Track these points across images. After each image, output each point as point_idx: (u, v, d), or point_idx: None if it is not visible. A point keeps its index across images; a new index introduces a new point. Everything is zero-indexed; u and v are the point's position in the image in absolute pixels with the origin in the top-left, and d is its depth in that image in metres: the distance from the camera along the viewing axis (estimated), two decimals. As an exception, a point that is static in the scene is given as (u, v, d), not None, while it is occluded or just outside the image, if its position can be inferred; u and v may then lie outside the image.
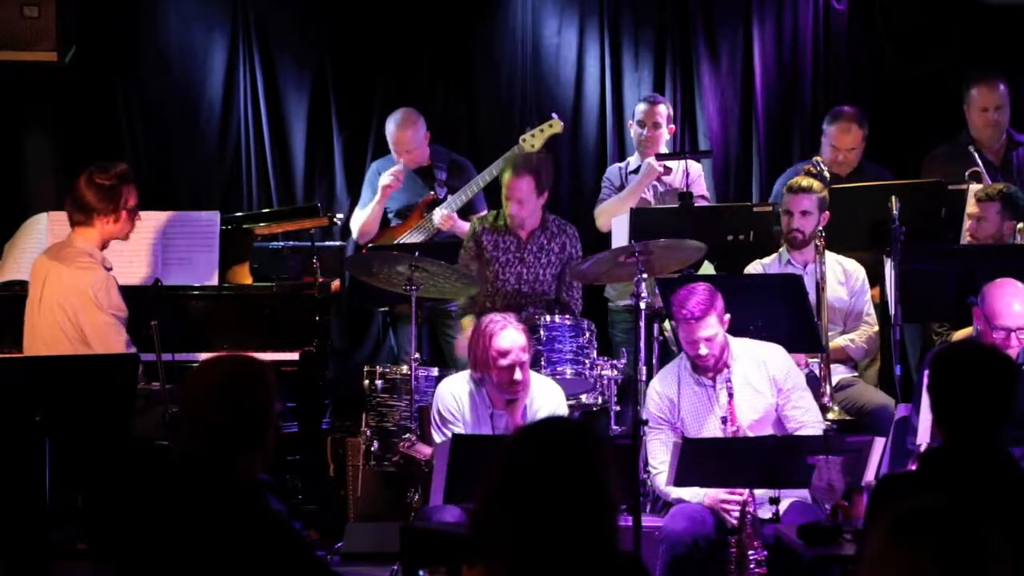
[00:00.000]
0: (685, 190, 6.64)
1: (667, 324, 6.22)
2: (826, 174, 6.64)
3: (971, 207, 6.42)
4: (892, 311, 6.00)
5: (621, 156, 7.73)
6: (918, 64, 7.82)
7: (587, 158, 8.00)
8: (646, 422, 5.35)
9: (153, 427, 5.56)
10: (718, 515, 5.18)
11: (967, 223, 6.43)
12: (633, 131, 7.26)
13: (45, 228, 6.53)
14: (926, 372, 3.59)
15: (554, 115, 7.13)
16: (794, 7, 7.96)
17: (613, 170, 7.29)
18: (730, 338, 5.41)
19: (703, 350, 5.30)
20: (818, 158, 6.86)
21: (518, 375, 5.31)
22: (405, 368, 6.07)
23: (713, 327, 5.28)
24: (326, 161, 8.03)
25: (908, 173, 7.14)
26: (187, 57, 7.94)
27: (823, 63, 7.97)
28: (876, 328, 6.43)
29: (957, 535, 2.04)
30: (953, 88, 7.31)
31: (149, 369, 5.65)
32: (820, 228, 6.23)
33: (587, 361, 6.09)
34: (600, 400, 6.15)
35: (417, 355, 5.91)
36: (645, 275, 5.62)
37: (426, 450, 5.65)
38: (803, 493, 5.07)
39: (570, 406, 5.83)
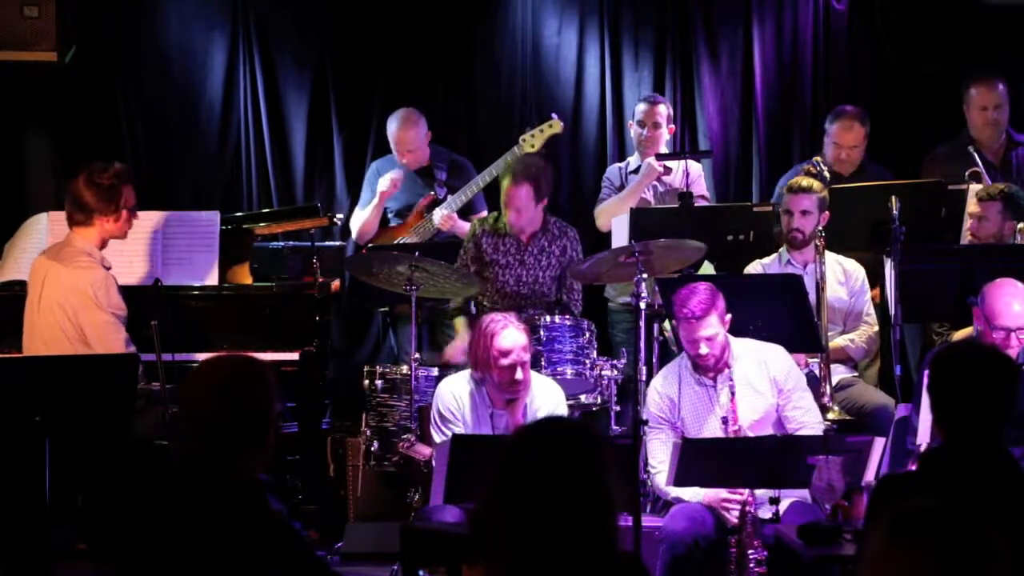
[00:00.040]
0: (685, 190, 6.64)
1: (667, 324, 6.22)
2: (826, 174, 6.64)
3: (973, 206, 6.42)
4: (892, 311, 6.00)
5: (621, 156, 7.73)
6: (918, 64, 7.82)
7: (587, 158, 8.00)
8: (646, 422, 5.35)
9: (153, 427, 5.56)
10: (718, 515, 5.18)
11: (968, 222, 6.43)
12: (633, 131, 7.26)
13: (45, 228, 6.53)
14: (926, 372, 3.59)
15: (554, 115, 7.12)
16: (794, 7, 7.96)
17: (613, 170, 7.29)
18: (731, 338, 5.41)
19: (704, 349, 5.30)
20: (818, 158, 6.86)
21: (519, 375, 5.32)
22: (405, 368, 6.07)
23: (714, 327, 5.28)
24: (326, 161, 8.03)
25: (908, 173, 7.15)
26: (187, 57, 7.94)
27: (823, 63, 7.97)
28: (876, 328, 6.43)
29: (957, 535, 2.04)
30: (953, 88, 7.31)
31: (149, 369, 5.65)
32: (820, 228, 6.23)
33: (587, 361, 6.09)
34: (600, 400, 6.15)
35: (417, 355, 5.91)
36: (645, 275, 5.62)
37: (425, 450, 5.65)
38: (803, 493, 5.07)
39: (570, 406, 5.83)
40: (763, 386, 5.38)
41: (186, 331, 6.20)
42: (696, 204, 6.60)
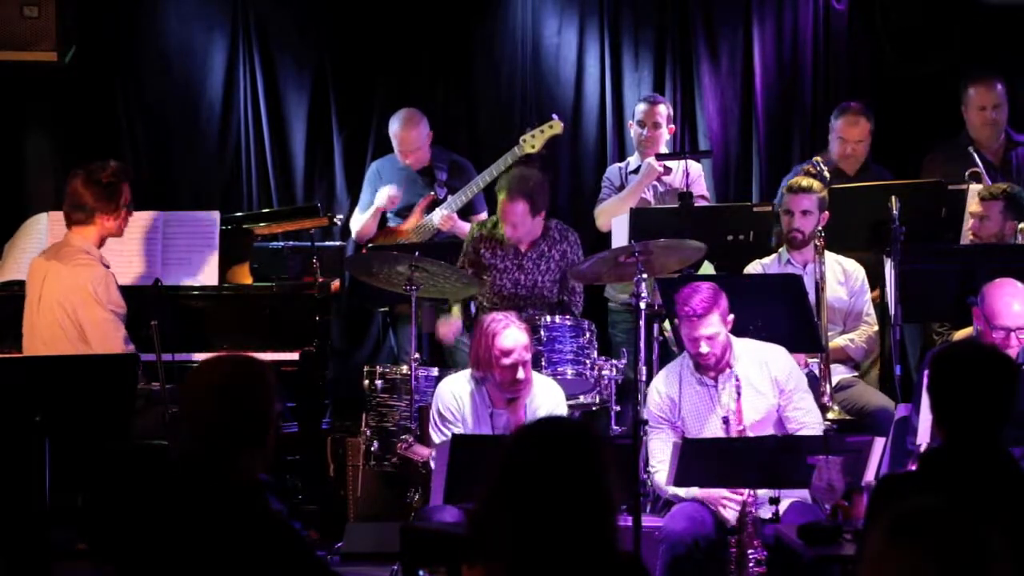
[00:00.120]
0: (685, 190, 6.64)
1: (667, 324, 6.22)
2: (826, 174, 6.64)
3: (974, 206, 6.42)
4: (892, 311, 6.00)
5: (621, 156, 7.73)
6: (918, 64, 7.82)
7: (587, 158, 8.00)
8: (646, 422, 5.35)
9: (153, 427, 5.56)
10: (718, 515, 5.18)
11: (970, 222, 6.43)
12: (633, 131, 7.26)
13: (45, 228, 6.53)
14: (926, 372, 3.59)
15: (554, 116, 7.12)
16: (794, 7, 7.96)
17: (613, 170, 7.29)
18: (733, 338, 5.41)
19: (704, 348, 5.30)
20: (818, 158, 6.86)
21: (521, 374, 5.32)
22: (405, 368, 6.07)
23: (715, 326, 5.28)
24: (326, 161, 8.03)
25: (908, 173, 7.14)
26: (187, 57, 7.95)
27: (823, 63, 7.97)
28: (876, 328, 6.43)
29: (957, 535, 2.04)
30: (953, 88, 7.31)
31: (149, 369, 5.66)
32: (819, 228, 6.23)
33: (587, 361, 6.09)
34: (600, 400, 6.15)
35: (417, 355, 5.91)
36: (645, 275, 5.62)
37: (424, 451, 5.65)
38: (803, 493, 5.07)
39: (570, 406, 5.83)
40: (764, 386, 5.38)
41: (186, 331, 6.20)
42: (696, 204, 6.60)
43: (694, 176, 6.97)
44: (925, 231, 6.21)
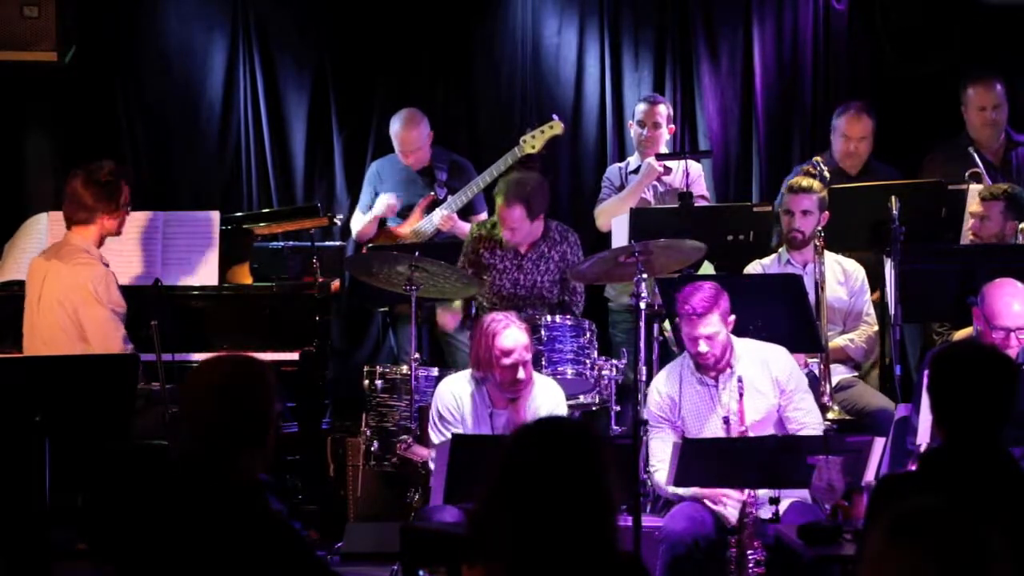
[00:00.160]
0: (685, 190, 6.64)
1: (667, 324, 6.22)
2: (826, 174, 6.64)
3: (975, 206, 6.42)
4: (892, 311, 6.00)
5: (621, 156, 7.73)
6: (918, 64, 7.81)
7: (587, 158, 8.00)
8: (646, 422, 5.35)
9: (153, 427, 5.56)
10: (718, 515, 5.18)
11: (970, 222, 6.43)
12: (633, 131, 7.26)
13: (45, 228, 6.54)
14: (926, 372, 3.59)
15: (555, 116, 7.12)
16: (794, 7, 7.96)
17: (613, 170, 7.28)
18: (734, 339, 5.41)
19: (703, 347, 5.29)
20: (818, 158, 6.86)
21: (521, 374, 5.33)
22: (405, 368, 6.07)
23: (714, 325, 5.28)
24: (326, 161, 8.03)
25: (908, 173, 7.14)
26: (187, 57, 7.95)
27: (823, 63, 7.97)
28: (876, 328, 6.43)
29: (957, 535, 2.03)
30: (953, 88, 7.31)
31: (149, 369, 5.66)
32: (819, 228, 6.23)
33: (588, 361, 6.09)
34: (600, 400, 6.15)
35: (417, 355, 5.92)
36: (645, 275, 5.62)
37: (423, 452, 5.65)
38: (803, 493, 5.07)
39: (570, 406, 5.83)
40: (765, 386, 5.38)
41: (186, 331, 6.20)
42: (696, 204, 6.60)
43: (694, 176, 6.97)
44: (925, 231, 6.21)
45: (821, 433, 5.37)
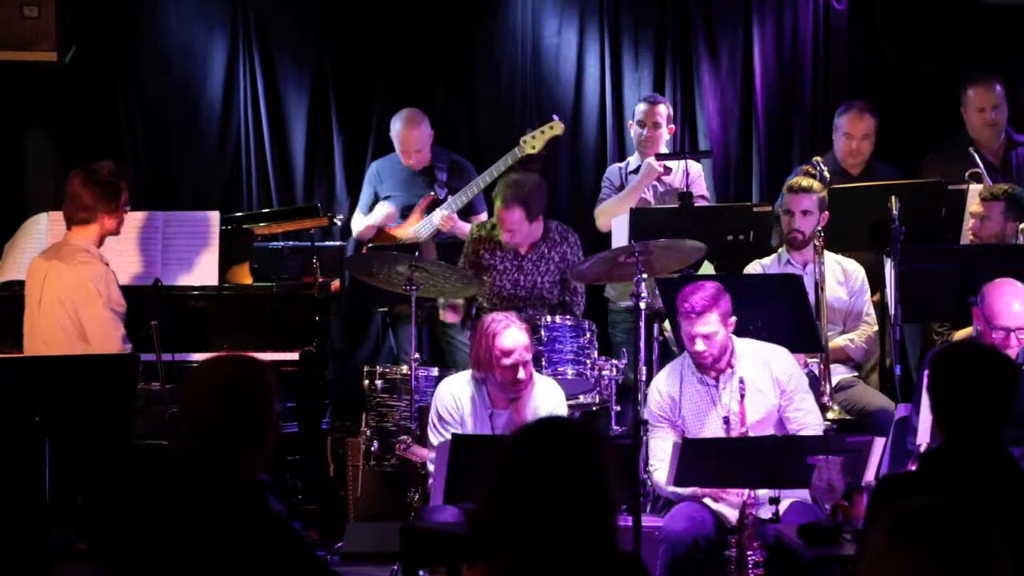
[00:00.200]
0: (685, 190, 6.64)
1: (667, 324, 6.22)
2: (826, 175, 6.64)
3: (975, 206, 6.42)
4: (892, 311, 6.00)
5: (621, 156, 7.73)
6: (918, 64, 7.81)
7: (587, 158, 8.00)
8: (646, 422, 5.35)
9: (153, 427, 5.56)
10: (718, 515, 5.18)
11: (970, 222, 6.43)
12: (633, 131, 7.26)
13: (45, 228, 6.54)
14: (926, 372, 3.59)
15: (555, 116, 7.12)
16: (794, 7, 7.96)
17: (613, 170, 7.28)
18: (735, 339, 5.41)
19: (699, 346, 5.30)
20: (817, 158, 6.86)
21: (521, 374, 5.33)
22: (405, 368, 6.07)
23: (713, 325, 5.28)
24: (326, 161, 8.03)
25: (908, 173, 7.14)
26: (187, 57, 7.95)
27: (823, 63, 7.96)
28: (876, 328, 6.43)
29: (957, 535, 2.03)
30: (953, 88, 7.31)
31: (149, 369, 5.66)
32: (819, 228, 6.23)
33: (588, 361, 6.09)
34: (600, 400, 6.15)
35: (417, 355, 5.92)
36: (645, 275, 5.62)
37: (422, 452, 5.65)
38: (803, 493, 5.07)
39: (570, 406, 5.83)
40: (766, 386, 5.38)
41: (186, 331, 6.20)
42: (696, 204, 6.60)
43: (694, 176, 6.96)
44: (925, 231, 6.21)
45: (821, 433, 5.37)
